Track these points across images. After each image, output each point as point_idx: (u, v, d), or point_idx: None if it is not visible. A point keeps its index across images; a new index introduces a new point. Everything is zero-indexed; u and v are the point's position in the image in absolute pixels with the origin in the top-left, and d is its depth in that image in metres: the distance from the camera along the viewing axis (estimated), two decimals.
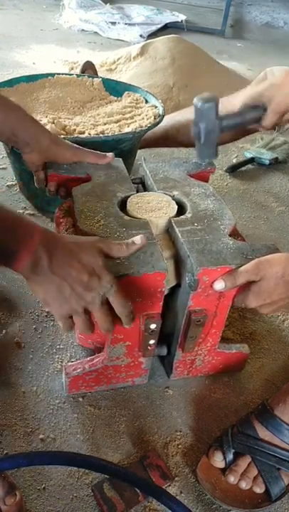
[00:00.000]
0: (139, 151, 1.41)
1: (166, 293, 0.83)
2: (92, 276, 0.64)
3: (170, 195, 0.90)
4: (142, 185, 1.01)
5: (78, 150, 0.95)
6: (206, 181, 1.00)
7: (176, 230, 0.81)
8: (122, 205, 0.87)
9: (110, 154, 0.96)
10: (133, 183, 1.02)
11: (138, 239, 0.72)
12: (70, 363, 0.87)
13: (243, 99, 1.01)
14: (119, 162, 0.98)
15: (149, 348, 0.81)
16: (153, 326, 0.77)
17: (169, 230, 0.85)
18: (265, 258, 0.75)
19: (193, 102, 0.90)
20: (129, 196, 0.88)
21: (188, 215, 0.86)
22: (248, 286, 0.76)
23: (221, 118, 0.93)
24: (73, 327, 0.70)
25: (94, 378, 0.86)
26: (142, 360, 0.85)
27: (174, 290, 0.84)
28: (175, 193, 0.91)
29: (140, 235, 0.73)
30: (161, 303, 0.77)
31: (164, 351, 0.88)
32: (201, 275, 0.75)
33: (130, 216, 0.85)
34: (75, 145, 0.95)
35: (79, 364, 0.86)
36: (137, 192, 0.93)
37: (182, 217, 0.85)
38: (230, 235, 0.83)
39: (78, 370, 0.85)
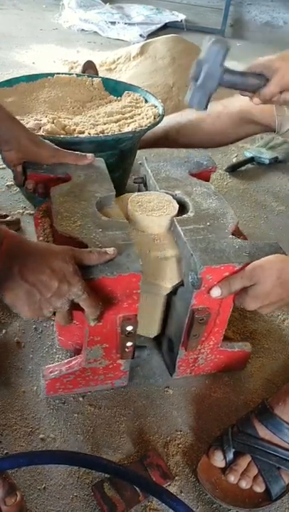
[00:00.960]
0: (138, 151, 1.41)
1: (168, 292, 0.83)
2: (62, 282, 0.64)
3: (172, 195, 0.90)
4: (144, 185, 1.01)
5: (58, 151, 0.94)
6: (208, 180, 1.00)
7: (179, 228, 0.82)
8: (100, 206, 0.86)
9: (90, 155, 0.95)
10: (135, 182, 1.03)
11: (111, 250, 0.71)
12: (48, 366, 0.86)
13: (249, 66, 0.98)
14: (101, 162, 0.97)
15: (126, 350, 0.80)
16: (130, 328, 0.76)
17: (171, 229, 0.85)
18: (258, 262, 0.75)
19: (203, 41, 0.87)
20: (108, 197, 0.87)
21: (190, 214, 0.86)
22: (245, 289, 0.76)
23: (225, 69, 0.90)
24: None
25: (72, 380, 0.85)
26: (121, 362, 0.84)
27: (177, 289, 0.84)
28: (177, 192, 0.91)
29: (112, 247, 0.72)
30: (138, 304, 0.76)
31: (144, 354, 0.85)
32: (205, 274, 0.75)
33: (132, 215, 0.85)
34: (54, 146, 0.94)
35: (56, 366, 0.85)
36: (139, 191, 0.93)
37: (185, 216, 0.85)
38: (232, 234, 0.83)
39: (55, 373, 0.84)
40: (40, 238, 0.86)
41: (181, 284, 0.83)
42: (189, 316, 0.81)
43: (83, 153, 0.95)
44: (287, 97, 0.98)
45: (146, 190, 0.99)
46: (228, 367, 0.94)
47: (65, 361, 0.86)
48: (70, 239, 0.76)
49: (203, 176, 1.00)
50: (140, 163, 1.60)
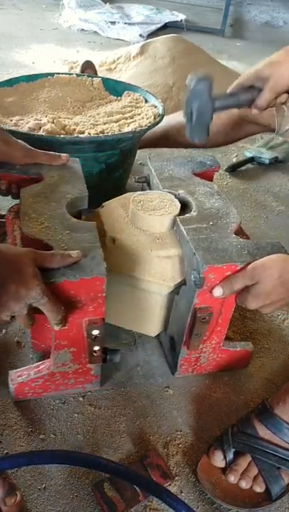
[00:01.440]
0: (138, 151, 1.41)
1: (170, 290, 0.83)
2: (19, 286, 0.62)
3: (175, 194, 0.91)
4: (147, 184, 1.01)
5: (31, 151, 0.92)
6: (211, 180, 1.00)
7: (182, 228, 0.82)
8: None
9: (65, 155, 0.94)
10: (138, 181, 1.03)
11: (74, 253, 0.70)
12: (15, 370, 0.85)
13: (237, 81, 0.98)
14: (76, 163, 0.95)
15: (94, 354, 0.79)
16: (96, 332, 0.75)
17: (174, 228, 0.85)
18: (260, 262, 0.75)
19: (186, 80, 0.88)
20: (80, 198, 0.87)
21: (193, 213, 0.86)
22: (247, 288, 0.76)
23: (214, 98, 0.91)
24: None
25: (41, 385, 0.84)
26: (91, 366, 0.83)
27: (179, 288, 0.84)
28: (180, 191, 0.92)
29: (77, 250, 0.71)
30: (104, 308, 0.75)
31: (116, 358, 0.84)
32: (207, 273, 0.75)
33: (134, 214, 0.85)
34: (27, 145, 0.92)
35: (25, 370, 0.84)
36: (142, 190, 0.93)
37: (188, 215, 0.86)
38: (235, 234, 0.83)
39: (23, 377, 0.83)
40: (9, 240, 0.85)
41: (183, 283, 0.83)
42: (191, 315, 0.81)
43: (57, 154, 0.94)
44: (282, 100, 0.98)
45: (150, 189, 0.99)
46: (230, 366, 0.95)
47: (34, 365, 0.85)
48: (36, 241, 0.75)
49: (207, 175, 1.01)
50: (140, 163, 1.61)
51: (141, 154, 1.50)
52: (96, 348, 0.78)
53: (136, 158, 1.41)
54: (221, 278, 0.77)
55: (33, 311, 0.67)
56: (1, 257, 0.63)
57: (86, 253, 0.73)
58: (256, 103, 0.96)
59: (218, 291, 0.77)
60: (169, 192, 0.91)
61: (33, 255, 0.66)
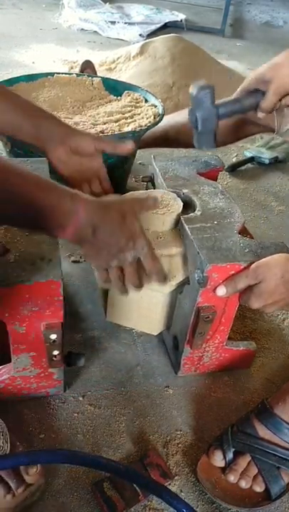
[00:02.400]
0: (138, 151, 1.41)
1: (172, 289, 0.83)
2: (128, 240, 0.69)
3: (179, 193, 0.91)
4: (152, 184, 1.02)
5: (98, 138, 0.90)
6: (215, 180, 1.01)
7: (186, 227, 0.82)
8: None
9: (130, 143, 0.91)
10: (142, 181, 1.03)
11: (153, 196, 0.78)
12: None
13: (241, 87, 0.99)
14: (42, 163, 0.90)
15: (54, 359, 0.78)
16: (54, 337, 0.75)
17: (178, 227, 0.86)
18: (263, 261, 0.76)
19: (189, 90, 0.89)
20: None
21: (197, 212, 0.86)
22: (250, 288, 0.76)
23: (217, 105, 0.92)
24: (108, 280, 0.74)
25: (2, 389, 0.83)
26: (53, 371, 0.82)
27: (182, 287, 0.85)
28: (184, 191, 0.92)
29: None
30: (62, 312, 0.74)
31: (80, 362, 0.83)
32: (211, 272, 0.76)
33: None
34: (94, 134, 0.90)
35: None
36: (146, 189, 0.93)
37: (192, 214, 0.86)
38: (239, 233, 0.83)
39: None
40: None
41: (185, 281, 0.83)
42: (195, 314, 0.81)
43: (122, 141, 0.91)
44: (288, 102, 0.99)
45: (154, 188, 0.99)
46: (233, 365, 0.95)
47: None
48: None
49: (211, 175, 1.01)
50: (140, 163, 1.61)
51: (141, 154, 1.50)
52: (55, 352, 0.77)
53: (136, 158, 1.41)
54: (225, 277, 0.77)
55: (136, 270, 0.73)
56: (112, 217, 0.69)
57: (43, 256, 0.73)
58: (261, 106, 0.97)
59: (221, 291, 0.77)
60: (173, 191, 0.91)
61: (135, 206, 0.73)
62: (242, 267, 0.77)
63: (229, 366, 0.94)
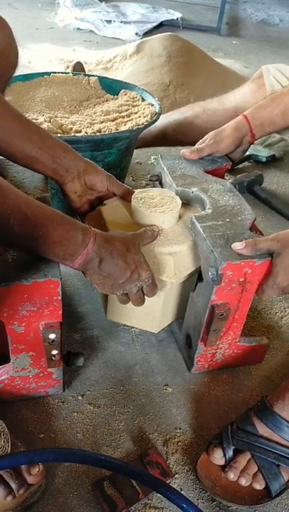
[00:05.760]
0: (135, 150, 1.41)
1: (168, 287, 0.83)
2: (133, 272, 0.75)
3: (189, 192, 0.92)
4: (159, 183, 1.02)
5: (114, 181, 0.92)
6: (222, 177, 1.01)
7: (198, 225, 0.82)
8: None
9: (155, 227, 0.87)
10: (150, 180, 1.04)
11: (156, 227, 0.83)
12: None
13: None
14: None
15: (53, 358, 0.78)
16: (52, 336, 0.75)
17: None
18: (283, 231, 0.79)
19: None
20: (41, 198, 0.85)
21: (208, 210, 0.87)
22: (269, 275, 0.79)
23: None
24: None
25: (1, 389, 0.83)
26: (52, 370, 0.82)
27: (195, 285, 0.85)
28: (194, 189, 0.92)
29: (155, 226, 0.83)
30: (60, 311, 0.74)
31: (80, 361, 0.84)
32: (225, 269, 0.76)
33: (135, 211, 0.85)
34: (110, 174, 0.92)
35: None
36: (153, 188, 0.94)
37: (203, 213, 0.87)
38: (249, 230, 0.84)
39: None
40: None
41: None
42: (209, 311, 0.81)
43: (131, 189, 0.92)
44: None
45: (162, 187, 1.00)
46: (245, 361, 0.95)
47: None
48: None
49: (218, 173, 1.02)
50: (137, 162, 1.61)
51: (138, 153, 1.50)
52: (54, 352, 0.77)
53: (133, 156, 1.41)
54: (239, 275, 0.78)
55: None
56: (119, 250, 0.74)
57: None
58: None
59: (239, 245, 0.78)
60: (183, 190, 0.92)
61: (137, 240, 0.78)
62: (256, 265, 0.78)
63: (241, 362, 0.95)
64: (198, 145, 1.05)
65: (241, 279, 0.79)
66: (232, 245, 0.78)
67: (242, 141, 1.08)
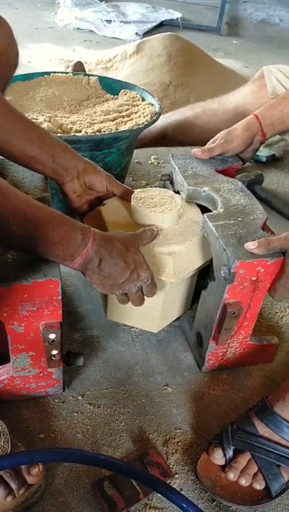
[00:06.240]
0: (135, 150, 1.41)
1: (167, 287, 0.83)
2: (133, 272, 0.75)
3: (201, 191, 0.92)
4: (170, 182, 1.02)
5: (113, 181, 0.92)
6: (232, 177, 1.01)
7: (210, 224, 0.82)
8: None
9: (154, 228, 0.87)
10: (161, 179, 1.04)
11: (154, 227, 0.83)
12: None
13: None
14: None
15: (53, 358, 0.78)
16: (52, 336, 0.75)
17: (201, 225, 0.87)
18: None
19: None
20: (41, 198, 0.86)
21: (220, 210, 0.87)
22: (282, 274, 0.79)
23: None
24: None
25: (1, 389, 0.83)
26: (52, 370, 0.82)
27: (206, 284, 0.86)
28: (205, 188, 0.92)
29: (154, 225, 0.83)
30: (60, 311, 0.74)
31: (80, 361, 0.84)
32: (238, 268, 0.76)
33: (135, 211, 0.86)
34: (109, 175, 0.92)
35: None
36: (164, 187, 0.94)
37: (215, 212, 0.87)
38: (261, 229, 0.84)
39: None
40: None
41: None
42: (221, 310, 0.82)
43: (132, 191, 0.92)
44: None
45: (172, 187, 1.00)
46: (256, 360, 0.96)
47: None
48: None
49: (228, 172, 1.02)
50: (137, 162, 1.61)
51: (138, 153, 1.50)
52: (54, 352, 0.77)
53: (133, 156, 1.41)
54: (252, 273, 0.78)
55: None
56: (118, 250, 0.74)
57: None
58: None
59: (252, 245, 0.78)
60: (195, 189, 0.92)
61: (136, 240, 0.78)
62: (269, 264, 0.78)
63: (252, 361, 0.95)
64: (209, 144, 1.05)
65: (254, 278, 0.79)
66: (245, 245, 0.78)
67: (253, 141, 1.08)
